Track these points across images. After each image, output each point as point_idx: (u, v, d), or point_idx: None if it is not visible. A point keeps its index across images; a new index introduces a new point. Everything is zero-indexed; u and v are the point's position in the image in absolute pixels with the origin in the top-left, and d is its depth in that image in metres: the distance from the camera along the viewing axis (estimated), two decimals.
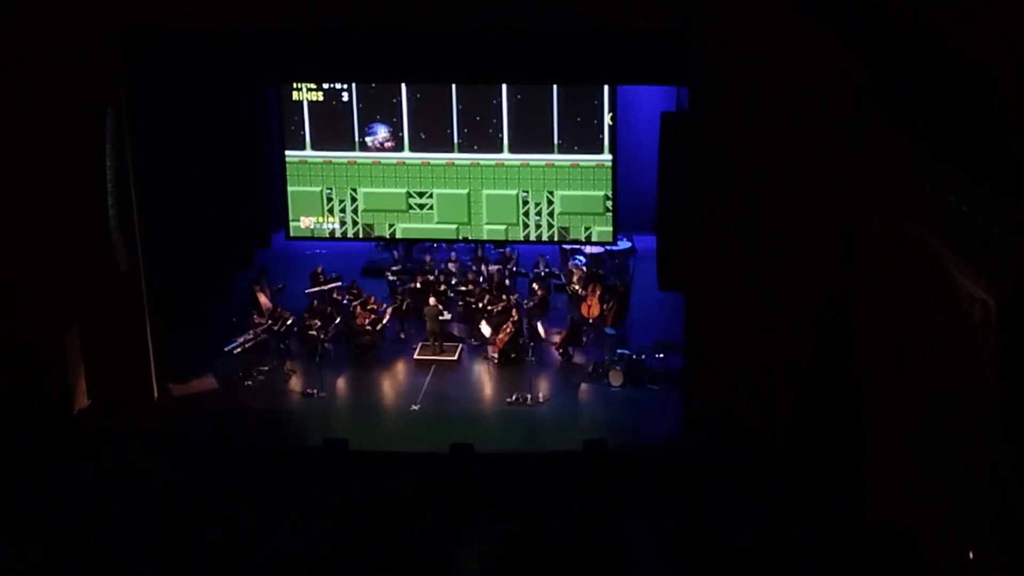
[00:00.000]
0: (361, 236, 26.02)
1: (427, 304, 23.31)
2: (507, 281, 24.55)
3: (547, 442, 20.23)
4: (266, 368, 22.66)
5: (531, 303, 23.80)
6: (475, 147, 25.08)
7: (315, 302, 23.77)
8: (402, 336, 23.87)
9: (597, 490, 18.34)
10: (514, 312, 23.06)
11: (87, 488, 18.12)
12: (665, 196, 20.35)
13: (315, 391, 21.85)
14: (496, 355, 22.85)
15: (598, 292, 23.70)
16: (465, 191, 25.33)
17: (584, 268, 24.81)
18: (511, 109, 24.75)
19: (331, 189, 25.64)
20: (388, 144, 25.17)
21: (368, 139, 25.17)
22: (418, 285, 24.31)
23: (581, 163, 24.91)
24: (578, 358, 22.92)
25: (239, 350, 22.45)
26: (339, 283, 24.27)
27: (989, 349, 14.34)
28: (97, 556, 16.53)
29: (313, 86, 24.96)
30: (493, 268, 24.86)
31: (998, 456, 14.26)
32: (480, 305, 23.65)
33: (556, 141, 24.82)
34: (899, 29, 16.68)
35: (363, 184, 25.61)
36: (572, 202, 25.12)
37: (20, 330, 20.76)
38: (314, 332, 22.93)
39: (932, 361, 16.02)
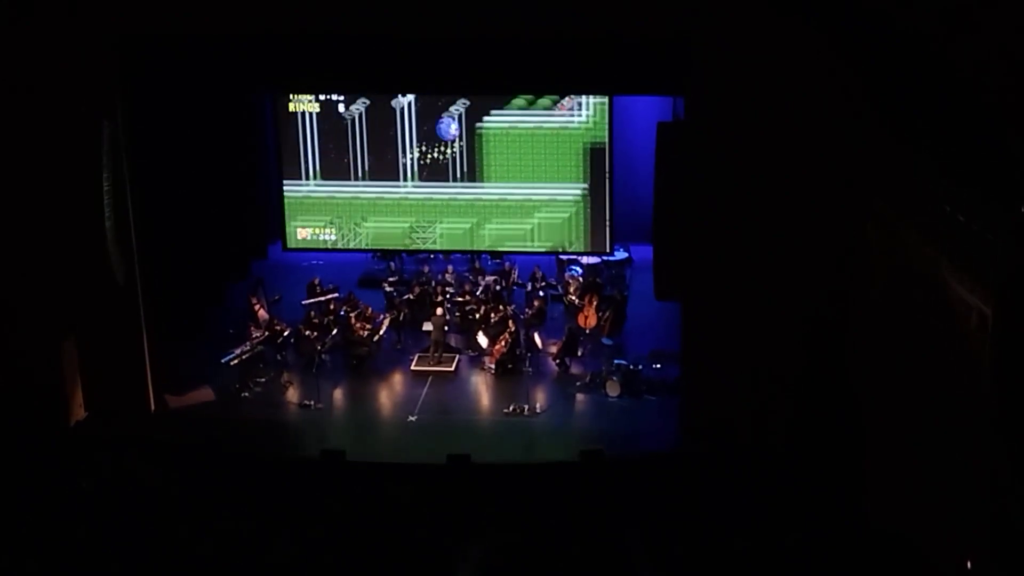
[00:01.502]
0: (358, 247, 26.03)
1: (434, 314, 23.32)
2: (504, 292, 24.56)
3: (544, 452, 20.22)
4: (263, 379, 22.63)
5: (528, 314, 23.81)
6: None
7: (312, 313, 23.77)
8: (399, 347, 23.87)
9: (594, 500, 18.32)
10: (511, 323, 23.06)
11: (84, 499, 18.09)
12: (661, 206, 20.40)
13: (312, 402, 21.83)
14: (493, 366, 22.85)
15: (595, 302, 23.70)
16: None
17: (580, 279, 24.82)
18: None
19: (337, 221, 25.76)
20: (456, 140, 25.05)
21: (442, 132, 25.07)
22: (415, 296, 24.33)
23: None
24: (575, 368, 22.91)
25: (236, 361, 22.43)
26: (336, 294, 24.27)
27: (986, 357, 14.36)
28: (94, 567, 16.51)
29: (310, 98, 24.96)
30: (490, 279, 24.87)
31: (996, 462, 14.27)
32: (477, 316, 23.66)
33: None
34: (896, 38, 16.73)
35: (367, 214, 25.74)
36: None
37: (17, 341, 20.74)
38: (311, 343, 22.91)
39: (929, 368, 16.05)
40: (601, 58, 19.75)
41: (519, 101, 24.73)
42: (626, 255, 26.00)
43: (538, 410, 21.50)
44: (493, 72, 20.61)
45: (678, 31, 18.86)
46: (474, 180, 25.24)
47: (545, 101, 24.62)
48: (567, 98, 24.53)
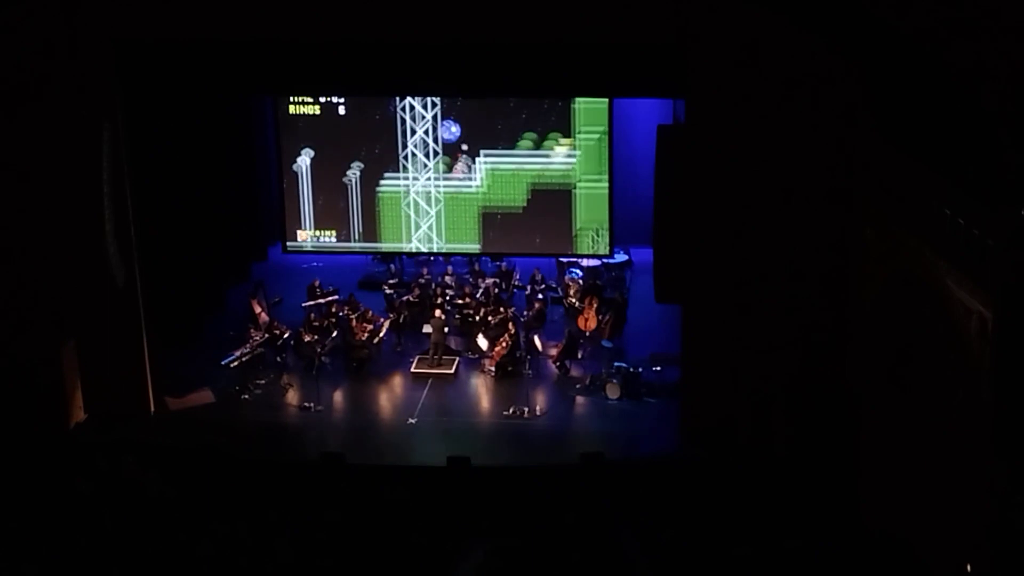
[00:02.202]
0: (358, 250, 26.04)
1: (433, 316, 23.31)
2: (504, 294, 24.56)
3: (544, 455, 20.21)
4: (263, 382, 22.62)
5: (528, 316, 23.80)
6: None
7: (312, 316, 23.75)
8: (399, 349, 23.87)
9: (594, 502, 18.32)
10: (511, 325, 23.05)
11: (84, 502, 18.09)
12: (662, 209, 20.38)
13: (312, 405, 21.82)
14: (493, 368, 22.84)
15: (595, 305, 23.69)
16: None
17: (581, 281, 24.82)
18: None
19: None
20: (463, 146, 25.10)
21: (444, 134, 25.08)
22: (415, 298, 24.33)
23: None
24: (575, 371, 22.89)
25: (236, 364, 22.41)
26: (336, 297, 24.26)
27: (986, 360, 14.36)
28: (94, 568, 16.52)
29: (310, 100, 24.95)
30: (490, 281, 24.86)
31: (995, 466, 14.28)
32: (477, 318, 23.65)
33: None
34: (895, 42, 16.73)
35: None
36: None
37: (17, 344, 20.73)
38: (311, 345, 22.91)
39: (928, 372, 16.06)
40: (601, 61, 19.75)
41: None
42: (626, 258, 25.98)
43: (538, 412, 21.49)
44: (493, 75, 20.61)
45: (677, 34, 18.86)
46: (371, 239, 25.60)
47: (439, 165, 25.02)
48: (460, 162, 24.90)
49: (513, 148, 24.78)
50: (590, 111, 24.34)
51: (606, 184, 24.68)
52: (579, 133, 24.55)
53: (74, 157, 19.99)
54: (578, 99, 24.26)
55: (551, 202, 24.88)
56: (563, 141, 24.64)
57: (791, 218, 19.11)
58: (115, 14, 19.47)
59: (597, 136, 24.50)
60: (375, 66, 20.13)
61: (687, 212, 19.66)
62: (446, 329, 23.50)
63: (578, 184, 24.78)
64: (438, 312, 23.35)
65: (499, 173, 24.93)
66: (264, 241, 26.04)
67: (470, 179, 25.04)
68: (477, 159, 24.91)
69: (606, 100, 24.26)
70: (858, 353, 18.39)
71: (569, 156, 24.68)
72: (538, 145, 24.67)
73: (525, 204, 24.99)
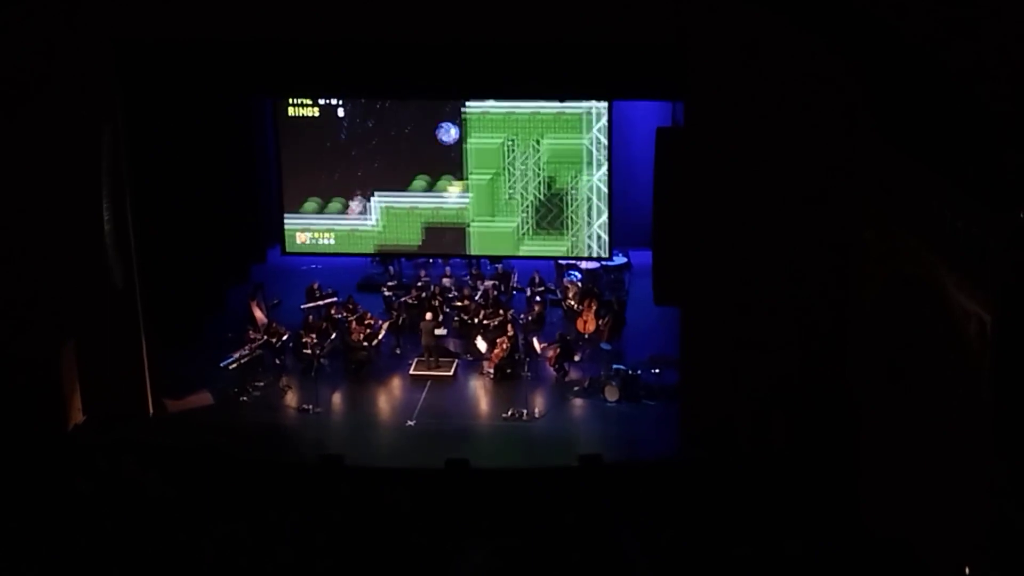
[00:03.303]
0: (357, 251, 26.06)
1: (424, 319, 23.31)
2: (503, 296, 24.56)
3: (543, 457, 20.19)
4: (262, 384, 22.61)
5: (527, 318, 23.80)
6: None
7: (311, 317, 23.75)
8: (398, 351, 23.86)
9: (593, 505, 18.31)
10: (510, 327, 23.06)
11: (83, 503, 18.07)
12: (660, 211, 20.38)
13: (311, 407, 21.81)
14: (492, 370, 22.84)
15: (594, 307, 23.69)
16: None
17: (579, 284, 24.83)
18: None
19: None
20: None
21: (441, 134, 25.13)
22: (413, 300, 24.32)
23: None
24: (574, 373, 22.89)
25: (235, 365, 22.40)
26: (335, 299, 24.26)
27: (985, 362, 14.37)
28: (93, 570, 16.50)
29: (309, 102, 24.97)
30: (489, 283, 24.86)
31: (995, 467, 14.29)
32: (476, 320, 23.65)
33: None
34: (895, 44, 16.76)
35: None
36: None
37: (16, 345, 20.71)
38: (310, 348, 22.90)
39: (928, 373, 16.06)
40: (600, 63, 19.77)
41: (310, 204, 25.60)
42: (625, 260, 26.00)
43: (537, 415, 21.49)
44: (492, 76, 20.63)
45: (677, 34, 18.88)
46: None
47: (336, 205, 25.53)
48: (356, 200, 25.40)
49: (406, 189, 25.29)
50: (481, 152, 24.85)
51: (502, 224, 25.25)
52: (471, 175, 25.03)
53: (74, 157, 19.99)
54: (470, 140, 24.86)
55: (446, 239, 25.50)
56: (455, 183, 25.13)
57: (791, 219, 19.12)
58: (115, 14, 19.49)
59: (489, 177, 24.94)
60: (375, 66, 20.14)
61: (686, 214, 19.66)
62: (438, 332, 23.44)
63: (471, 223, 25.30)
64: (428, 315, 23.33)
65: (394, 212, 25.41)
66: (263, 243, 26.03)
67: (366, 218, 25.50)
68: (372, 198, 25.34)
69: (500, 140, 24.70)
70: (858, 353, 18.40)
71: (462, 197, 25.18)
72: (431, 186, 25.16)
73: (420, 243, 25.57)
